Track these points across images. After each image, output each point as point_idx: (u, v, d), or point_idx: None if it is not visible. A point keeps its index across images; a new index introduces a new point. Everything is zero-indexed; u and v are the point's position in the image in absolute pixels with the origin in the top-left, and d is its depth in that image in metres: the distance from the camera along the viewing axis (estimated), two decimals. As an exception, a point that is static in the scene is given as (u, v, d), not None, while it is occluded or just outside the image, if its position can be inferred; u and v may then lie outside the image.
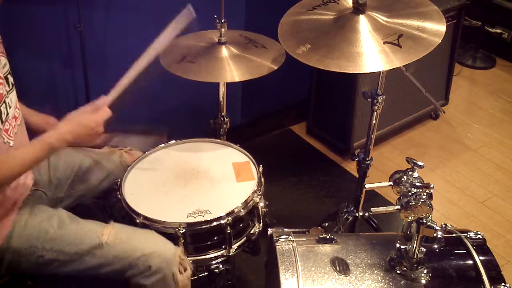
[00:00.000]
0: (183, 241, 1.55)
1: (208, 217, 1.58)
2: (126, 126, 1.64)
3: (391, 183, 1.57)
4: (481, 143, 3.16)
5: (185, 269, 1.53)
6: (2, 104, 1.37)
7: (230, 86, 2.15)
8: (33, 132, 1.63)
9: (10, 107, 1.43)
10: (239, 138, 2.00)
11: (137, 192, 1.68)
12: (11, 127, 1.44)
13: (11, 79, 1.45)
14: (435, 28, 1.64)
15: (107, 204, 1.79)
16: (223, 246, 1.62)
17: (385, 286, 1.46)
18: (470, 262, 1.51)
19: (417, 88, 2.68)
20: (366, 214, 2.18)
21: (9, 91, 1.44)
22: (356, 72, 1.57)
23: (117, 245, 1.48)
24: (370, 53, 1.59)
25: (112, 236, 1.48)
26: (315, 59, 1.60)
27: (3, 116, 1.38)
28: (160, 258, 1.48)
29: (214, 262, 1.63)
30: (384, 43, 1.61)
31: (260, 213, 1.70)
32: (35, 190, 1.59)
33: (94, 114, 1.49)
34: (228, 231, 1.59)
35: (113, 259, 1.47)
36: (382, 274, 1.48)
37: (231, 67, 1.88)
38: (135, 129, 1.72)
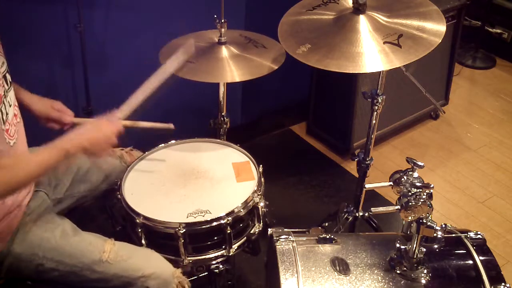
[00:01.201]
0: (183, 241, 1.55)
1: (208, 217, 1.58)
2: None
3: (391, 183, 1.57)
4: (481, 143, 3.16)
5: None
6: (1, 105, 1.37)
7: (230, 86, 2.14)
8: (38, 119, 1.63)
9: (10, 106, 1.43)
10: (239, 138, 2.00)
11: (137, 192, 1.68)
12: (13, 126, 1.44)
13: (9, 78, 1.45)
14: (435, 28, 1.64)
15: (107, 205, 1.79)
16: (223, 246, 1.62)
17: (385, 286, 1.46)
18: (470, 262, 1.51)
19: (417, 88, 2.68)
20: (366, 214, 2.18)
21: (7, 89, 1.43)
22: (356, 72, 1.57)
23: (118, 264, 1.48)
24: (370, 53, 1.58)
25: (113, 254, 1.48)
26: (315, 59, 1.60)
27: (4, 117, 1.38)
28: (159, 279, 1.49)
29: (214, 262, 1.63)
30: (384, 43, 1.61)
31: (260, 213, 1.70)
32: (36, 191, 1.59)
33: (109, 124, 1.49)
34: (228, 231, 1.59)
35: (112, 277, 1.48)
36: (382, 274, 1.48)
37: (231, 67, 1.88)
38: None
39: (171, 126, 1.69)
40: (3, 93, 1.38)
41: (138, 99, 1.63)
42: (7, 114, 1.40)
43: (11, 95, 1.46)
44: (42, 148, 1.41)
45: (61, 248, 1.47)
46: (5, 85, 1.42)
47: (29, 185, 1.44)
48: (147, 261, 1.52)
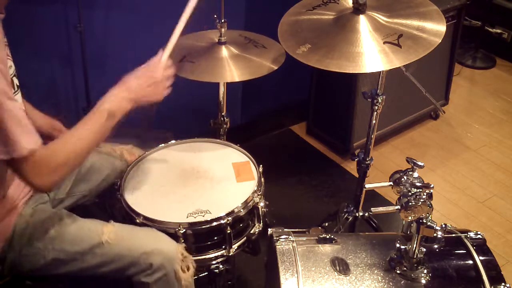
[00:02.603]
0: (183, 241, 1.54)
1: (208, 217, 1.57)
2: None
3: (391, 183, 1.57)
4: (481, 143, 3.16)
5: (188, 268, 1.52)
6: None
7: (230, 86, 2.14)
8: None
9: None
10: (239, 138, 2.00)
11: (137, 192, 1.68)
12: None
13: (16, 81, 1.45)
14: (435, 28, 1.64)
15: (107, 204, 1.79)
16: (223, 246, 1.62)
17: (385, 286, 1.46)
18: (470, 262, 1.51)
19: (417, 88, 2.68)
20: (366, 214, 2.18)
21: (14, 92, 1.43)
22: (356, 72, 1.57)
23: (118, 243, 1.47)
24: (370, 53, 1.58)
25: (112, 235, 1.48)
26: (315, 59, 1.60)
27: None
28: (161, 255, 1.48)
29: (214, 262, 1.63)
30: (384, 43, 1.61)
31: (260, 213, 1.69)
32: None
33: (152, 65, 1.43)
34: (228, 231, 1.59)
35: (114, 257, 1.47)
36: (382, 274, 1.48)
37: (231, 67, 1.88)
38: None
39: None
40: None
41: (177, 34, 1.55)
42: None
43: (19, 98, 1.45)
44: (83, 119, 1.39)
45: (60, 236, 1.47)
46: (12, 89, 1.42)
47: (81, 161, 1.40)
48: (148, 238, 1.51)
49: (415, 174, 1.54)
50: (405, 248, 1.49)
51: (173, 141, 1.88)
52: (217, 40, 1.98)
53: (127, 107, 1.42)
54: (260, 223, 1.71)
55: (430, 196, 1.44)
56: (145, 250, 1.47)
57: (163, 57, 1.50)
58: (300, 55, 1.62)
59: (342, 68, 1.56)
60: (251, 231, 1.69)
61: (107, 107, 1.37)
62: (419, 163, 1.54)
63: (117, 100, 1.37)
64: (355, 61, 1.57)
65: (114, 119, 1.40)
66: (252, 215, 1.69)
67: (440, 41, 1.61)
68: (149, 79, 1.40)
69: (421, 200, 1.42)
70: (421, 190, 1.45)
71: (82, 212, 1.74)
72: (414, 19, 1.68)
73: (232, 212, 1.59)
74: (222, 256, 1.63)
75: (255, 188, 1.68)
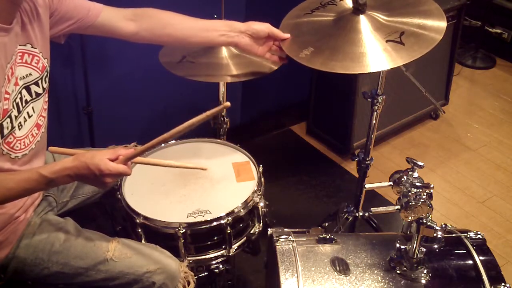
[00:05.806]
0: (183, 241, 1.55)
1: (208, 217, 1.58)
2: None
3: (391, 183, 1.57)
4: (481, 143, 3.16)
5: (189, 283, 1.53)
6: (6, 119, 1.34)
7: (230, 86, 2.14)
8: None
9: (29, 117, 1.42)
10: (239, 138, 2.00)
11: (137, 192, 1.68)
12: (29, 137, 1.43)
13: (35, 89, 1.43)
14: (436, 25, 1.63)
15: (107, 205, 1.79)
16: (223, 246, 1.62)
17: (385, 286, 1.46)
18: (470, 262, 1.51)
19: (417, 88, 2.68)
20: (366, 214, 2.18)
21: (31, 100, 1.43)
22: (361, 72, 1.55)
23: (122, 261, 1.48)
24: (374, 53, 1.57)
25: (117, 252, 1.48)
26: (320, 62, 1.57)
27: (5, 131, 1.34)
28: (164, 274, 1.49)
29: (214, 262, 1.63)
30: (386, 41, 1.60)
31: (260, 213, 1.69)
32: (46, 196, 1.60)
33: (108, 163, 1.33)
34: (228, 231, 1.59)
35: (118, 274, 1.48)
36: (382, 274, 1.48)
37: (231, 67, 1.88)
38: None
39: (204, 168, 1.56)
40: (10, 108, 1.35)
41: (153, 146, 1.44)
42: (20, 126, 1.39)
43: (37, 105, 1.45)
44: (23, 170, 1.39)
45: (66, 251, 1.47)
46: (27, 96, 1.41)
47: (3, 203, 1.38)
48: (151, 256, 1.51)
49: (415, 174, 1.54)
50: (405, 248, 1.49)
51: (173, 141, 1.88)
52: (217, 40, 1.97)
53: (65, 183, 1.40)
54: (260, 223, 1.71)
55: (430, 196, 1.44)
56: (149, 268, 1.48)
57: (121, 166, 1.36)
58: (303, 59, 1.60)
59: (348, 70, 1.53)
60: (251, 231, 1.69)
61: (50, 177, 1.32)
62: (419, 163, 1.54)
63: (62, 175, 1.33)
64: (359, 62, 1.55)
65: (49, 187, 1.40)
66: (252, 215, 1.69)
67: (441, 37, 1.60)
68: (95, 177, 1.34)
69: (421, 200, 1.42)
70: (421, 190, 1.45)
71: (82, 213, 1.74)
72: (414, 17, 1.67)
73: (232, 212, 1.59)
74: (222, 256, 1.63)
75: (255, 188, 1.68)
